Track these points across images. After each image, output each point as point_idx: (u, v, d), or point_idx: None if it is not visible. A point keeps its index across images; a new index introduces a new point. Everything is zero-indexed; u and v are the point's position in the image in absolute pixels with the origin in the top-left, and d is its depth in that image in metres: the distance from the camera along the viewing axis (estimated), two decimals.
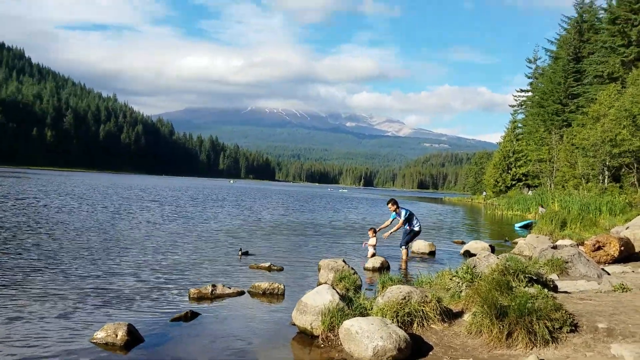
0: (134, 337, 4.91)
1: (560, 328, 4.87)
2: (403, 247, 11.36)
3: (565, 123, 45.53)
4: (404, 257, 11.21)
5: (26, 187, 34.65)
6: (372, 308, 5.63)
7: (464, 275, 6.07)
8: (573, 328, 4.90)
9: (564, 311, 5.04)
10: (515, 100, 63.87)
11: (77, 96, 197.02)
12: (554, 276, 8.11)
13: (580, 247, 12.03)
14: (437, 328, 5.36)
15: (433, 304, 5.48)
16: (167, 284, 7.60)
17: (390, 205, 11.95)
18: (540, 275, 6.33)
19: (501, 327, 4.84)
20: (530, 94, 60.67)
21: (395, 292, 5.62)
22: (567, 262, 8.64)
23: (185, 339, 5.19)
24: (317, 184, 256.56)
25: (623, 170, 32.77)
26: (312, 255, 11.32)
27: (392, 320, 5.19)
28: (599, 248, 10.70)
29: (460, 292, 5.99)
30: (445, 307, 5.62)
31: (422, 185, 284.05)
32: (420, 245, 13.04)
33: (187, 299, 6.78)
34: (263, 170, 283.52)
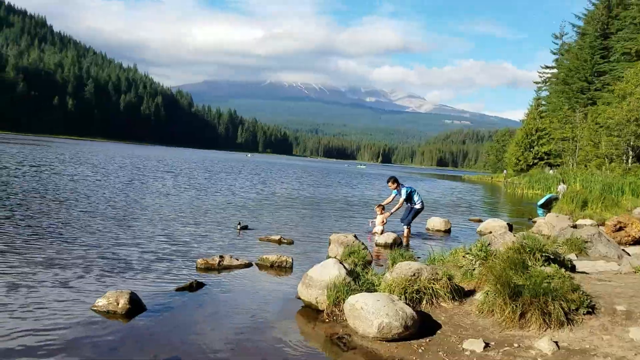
0: (136, 305, 4.82)
1: (577, 309, 4.64)
2: (405, 225, 11.11)
3: (590, 101, 44.34)
4: (406, 234, 10.95)
5: (43, 154, 35.07)
6: (380, 284, 5.46)
7: (478, 253, 5.85)
8: (590, 310, 4.67)
9: (581, 292, 4.80)
10: (540, 77, 62.30)
11: (98, 66, 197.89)
12: (572, 256, 7.86)
13: (601, 228, 11.69)
14: (447, 306, 5.18)
15: (444, 281, 5.28)
16: (174, 255, 7.51)
17: (390, 183, 11.67)
18: (557, 255, 6.08)
19: (514, 307, 4.63)
20: (555, 70, 59.09)
21: (404, 268, 5.43)
22: (586, 242, 8.36)
23: (188, 309, 5.10)
24: (334, 160, 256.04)
25: None
26: (324, 230, 11.12)
27: (400, 297, 5.01)
28: (620, 229, 10.34)
29: (473, 270, 5.78)
30: (456, 285, 5.42)
31: (441, 163, 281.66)
32: (435, 222, 12.78)
33: (195, 270, 6.69)
34: (280, 144, 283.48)
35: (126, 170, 26.29)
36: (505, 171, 62.33)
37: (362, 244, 8.16)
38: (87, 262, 6.65)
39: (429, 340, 4.51)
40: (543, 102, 61.01)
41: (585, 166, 38.31)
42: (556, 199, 22.07)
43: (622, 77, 35.31)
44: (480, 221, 14.58)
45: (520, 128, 64.15)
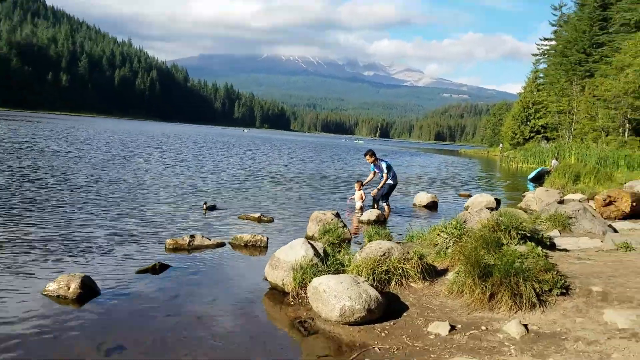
0: (88, 290, 4.59)
1: (550, 290, 4.44)
2: (384, 203, 10.84)
3: (587, 74, 43.72)
4: (388, 211, 10.70)
5: (31, 130, 34.58)
6: (350, 264, 5.24)
7: (452, 231, 5.62)
8: (564, 291, 4.47)
9: (555, 272, 4.59)
10: (539, 49, 61.30)
11: (92, 40, 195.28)
12: (555, 232, 7.66)
13: (591, 202, 11.49)
14: (416, 287, 4.97)
15: (414, 261, 5.07)
16: (143, 236, 7.17)
17: (367, 157, 11.36)
18: (536, 232, 5.86)
19: (484, 288, 4.42)
20: (554, 42, 58.11)
21: (374, 247, 5.21)
22: (570, 218, 8.15)
23: (146, 294, 4.86)
24: (332, 135, 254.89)
25: None
26: (309, 208, 10.63)
27: (368, 278, 4.80)
28: (610, 203, 10.13)
29: (447, 248, 5.56)
30: (428, 264, 5.21)
31: (439, 137, 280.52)
32: (422, 197, 12.52)
33: (164, 251, 6.44)
34: (278, 119, 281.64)
35: (112, 147, 25.80)
36: (501, 145, 61.97)
37: (341, 221, 7.94)
38: (48, 242, 6.36)
39: (394, 324, 4.31)
40: (540, 75, 60.24)
41: (582, 139, 38.00)
42: (548, 172, 21.84)
43: (621, 48, 34.71)
44: (469, 196, 14.26)
45: (517, 101, 63.50)
